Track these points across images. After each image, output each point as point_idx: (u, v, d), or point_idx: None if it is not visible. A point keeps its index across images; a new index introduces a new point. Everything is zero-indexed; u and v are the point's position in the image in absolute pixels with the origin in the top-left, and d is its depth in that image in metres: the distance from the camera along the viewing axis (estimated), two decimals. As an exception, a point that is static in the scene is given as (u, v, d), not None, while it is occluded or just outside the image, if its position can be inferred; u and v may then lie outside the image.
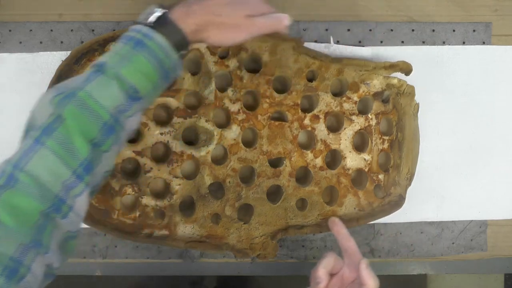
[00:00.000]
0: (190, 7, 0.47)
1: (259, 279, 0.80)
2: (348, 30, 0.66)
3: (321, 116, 0.63)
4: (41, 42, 0.63)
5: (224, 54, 0.60)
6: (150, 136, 0.60)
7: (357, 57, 0.64)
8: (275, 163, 0.63)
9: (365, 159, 0.64)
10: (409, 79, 0.64)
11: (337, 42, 0.66)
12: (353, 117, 0.63)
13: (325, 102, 0.63)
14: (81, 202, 0.44)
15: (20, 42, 0.63)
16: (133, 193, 0.60)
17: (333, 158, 0.65)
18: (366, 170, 0.64)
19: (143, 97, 0.45)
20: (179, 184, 0.61)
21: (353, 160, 0.64)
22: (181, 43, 0.46)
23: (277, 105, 0.62)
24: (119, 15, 0.64)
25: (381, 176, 0.65)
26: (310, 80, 0.62)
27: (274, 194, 0.64)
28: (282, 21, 0.49)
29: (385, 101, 0.64)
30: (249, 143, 0.62)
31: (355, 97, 0.63)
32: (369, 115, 0.64)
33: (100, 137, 0.43)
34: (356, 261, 0.52)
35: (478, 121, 0.69)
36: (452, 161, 0.69)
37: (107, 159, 0.46)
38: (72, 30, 0.63)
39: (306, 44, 0.62)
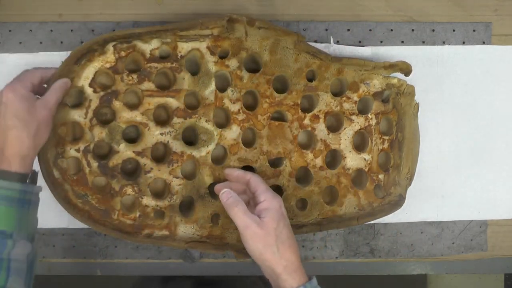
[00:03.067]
0: None
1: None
2: (348, 30, 0.66)
3: (321, 116, 0.63)
4: (41, 42, 0.63)
5: (224, 54, 0.60)
6: (150, 137, 0.60)
7: (357, 57, 0.64)
8: (275, 163, 0.63)
9: (365, 159, 0.64)
10: (409, 79, 0.64)
11: (337, 42, 0.66)
12: (353, 117, 0.63)
13: (325, 102, 0.63)
14: None
15: (20, 42, 0.63)
16: (133, 193, 0.60)
17: (333, 158, 0.65)
18: (366, 170, 0.64)
19: (15, 230, 0.50)
20: (179, 184, 0.61)
21: (353, 160, 0.64)
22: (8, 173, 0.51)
23: (277, 105, 0.62)
24: (119, 15, 0.64)
25: (381, 176, 0.65)
26: (310, 79, 0.62)
27: (274, 194, 0.64)
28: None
29: (385, 101, 0.64)
30: (249, 143, 0.62)
31: (355, 97, 0.63)
32: (369, 115, 0.64)
33: None
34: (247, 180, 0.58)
35: (478, 121, 0.69)
36: (452, 161, 0.69)
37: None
38: (72, 30, 0.64)
39: (306, 44, 0.62)
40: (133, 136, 0.61)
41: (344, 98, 0.63)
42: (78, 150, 0.59)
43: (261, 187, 0.56)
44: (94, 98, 0.59)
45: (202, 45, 0.59)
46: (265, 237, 0.53)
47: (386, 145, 0.64)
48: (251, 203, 0.58)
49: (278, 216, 0.54)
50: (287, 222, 0.55)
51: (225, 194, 0.56)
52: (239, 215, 0.54)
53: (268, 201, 0.55)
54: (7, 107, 0.51)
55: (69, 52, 0.59)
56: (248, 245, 0.54)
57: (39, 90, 0.56)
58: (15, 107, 0.51)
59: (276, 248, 0.53)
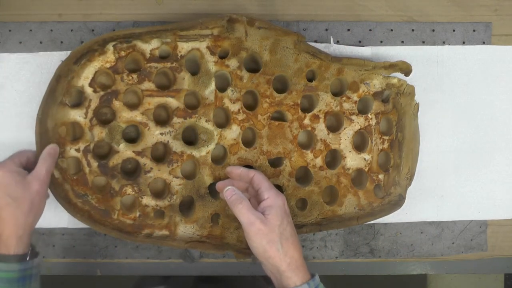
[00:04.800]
0: None
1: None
2: (348, 30, 0.66)
3: (321, 116, 0.63)
4: (41, 42, 0.63)
5: (224, 54, 0.60)
6: (150, 136, 0.60)
7: (357, 57, 0.64)
8: (275, 163, 0.63)
9: (365, 159, 0.64)
10: (409, 79, 0.64)
11: (337, 42, 0.66)
12: (353, 117, 0.63)
13: (325, 101, 0.63)
14: None
15: (20, 42, 0.63)
16: (133, 193, 0.60)
17: (333, 158, 0.65)
18: (366, 170, 0.64)
19: None
20: (179, 184, 0.61)
21: (353, 160, 0.64)
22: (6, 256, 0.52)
23: (277, 105, 0.62)
24: (119, 15, 0.64)
25: (381, 176, 0.65)
26: (310, 79, 0.62)
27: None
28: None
29: (385, 101, 0.64)
30: (249, 143, 0.62)
31: (355, 97, 0.63)
32: (369, 115, 0.64)
33: None
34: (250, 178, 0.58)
35: (478, 121, 0.69)
36: (452, 161, 0.69)
37: None
38: (72, 30, 0.64)
39: (306, 44, 0.62)
40: (133, 136, 0.61)
41: (344, 98, 0.63)
42: (78, 150, 0.59)
43: (265, 184, 0.56)
44: (94, 98, 0.59)
45: (202, 45, 0.59)
46: (269, 233, 0.53)
47: (386, 145, 0.64)
48: (253, 201, 0.58)
49: (282, 214, 0.54)
50: (290, 220, 0.55)
51: (229, 191, 0.56)
52: (244, 211, 0.53)
53: (272, 198, 0.55)
54: None
55: (69, 52, 0.59)
56: (252, 242, 0.53)
57: (27, 166, 0.57)
58: (7, 184, 0.52)
59: (280, 245, 0.53)
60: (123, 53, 0.58)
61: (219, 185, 0.59)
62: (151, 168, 0.60)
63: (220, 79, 0.61)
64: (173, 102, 0.60)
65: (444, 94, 0.68)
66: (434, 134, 0.68)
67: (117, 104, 0.59)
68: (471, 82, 0.68)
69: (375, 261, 0.70)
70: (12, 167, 0.53)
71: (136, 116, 0.59)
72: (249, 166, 0.62)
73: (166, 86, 0.60)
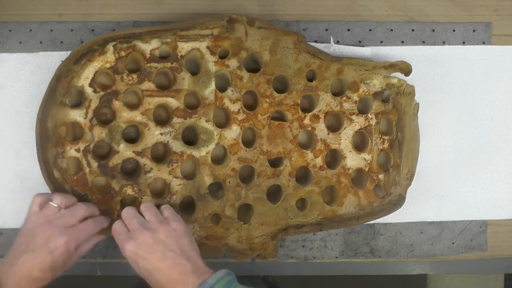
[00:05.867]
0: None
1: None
2: (348, 30, 0.66)
3: (321, 115, 0.63)
4: (41, 42, 0.63)
5: (224, 54, 0.60)
6: (150, 137, 0.60)
7: (357, 57, 0.64)
8: (275, 163, 0.63)
9: (365, 159, 0.64)
10: (409, 79, 0.64)
11: (337, 42, 0.66)
12: (353, 117, 0.63)
13: (325, 101, 0.63)
14: None
15: (20, 42, 0.63)
16: (133, 193, 0.60)
17: (333, 158, 0.65)
18: (366, 169, 0.64)
19: None
20: (179, 184, 0.61)
21: (353, 160, 0.64)
22: None
23: (277, 104, 0.62)
24: (119, 15, 0.64)
25: (381, 176, 0.65)
26: (310, 79, 0.62)
27: (274, 194, 0.64)
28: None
29: (385, 101, 0.64)
30: (249, 143, 0.62)
31: (355, 97, 0.63)
32: (369, 115, 0.64)
33: None
34: None
35: (478, 121, 0.69)
36: (452, 161, 0.69)
37: None
38: (72, 30, 0.64)
39: (306, 44, 0.62)
40: (133, 136, 0.61)
41: (344, 98, 0.63)
42: (78, 150, 0.59)
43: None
44: (94, 98, 0.59)
45: (202, 45, 0.59)
46: None
47: (386, 145, 0.64)
48: None
49: None
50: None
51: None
52: None
53: None
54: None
55: (69, 52, 0.59)
56: None
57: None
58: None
59: None
60: (123, 53, 0.58)
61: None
62: (151, 168, 0.60)
63: (220, 79, 0.61)
64: (173, 102, 0.60)
65: (444, 94, 0.68)
66: (434, 134, 0.68)
67: (117, 104, 0.59)
68: (471, 82, 0.68)
69: (375, 261, 0.70)
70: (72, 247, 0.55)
71: (136, 116, 0.59)
72: (249, 167, 0.62)
73: (166, 86, 0.60)
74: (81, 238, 0.55)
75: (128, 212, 0.56)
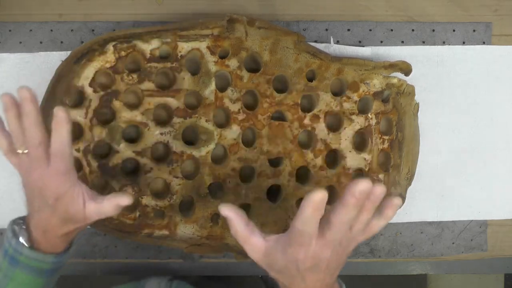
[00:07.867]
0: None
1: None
2: (348, 30, 0.66)
3: (321, 115, 0.63)
4: (41, 42, 0.63)
5: (224, 54, 0.60)
6: (150, 136, 0.60)
7: (357, 57, 0.64)
8: (275, 162, 0.63)
9: (365, 159, 0.64)
10: (409, 79, 0.64)
11: (337, 42, 0.66)
12: (353, 117, 0.63)
13: (325, 101, 0.63)
14: None
15: (20, 42, 0.63)
16: (133, 193, 0.60)
17: (333, 158, 0.65)
18: (366, 169, 0.64)
19: None
20: (179, 184, 0.61)
21: (353, 160, 0.64)
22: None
23: (277, 104, 0.62)
24: (119, 15, 0.64)
25: (381, 176, 0.65)
26: (310, 79, 0.62)
27: (274, 194, 0.64)
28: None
29: (385, 101, 0.64)
30: (249, 143, 0.62)
31: (355, 97, 0.63)
32: (369, 115, 0.64)
33: None
34: None
35: (478, 121, 0.69)
36: (452, 161, 0.69)
37: None
38: (72, 30, 0.64)
39: (306, 44, 0.62)
40: (133, 136, 0.61)
41: (344, 98, 0.63)
42: (78, 150, 0.59)
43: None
44: (94, 98, 0.59)
45: (202, 45, 0.59)
46: None
47: (386, 145, 0.64)
48: None
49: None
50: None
51: None
52: None
53: None
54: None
55: (69, 52, 0.59)
56: None
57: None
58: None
59: None
60: (123, 53, 0.58)
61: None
62: (151, 168, 0.60)
63: (220, 79, 0.61)
64: (173, 102, 0.60)
65: (444, 94, 0.68)
66: (434, 134, 0.68)
67: (117, 104, 0.59)
68: (471, 82, 0.68)
69: (375, 261, 0.70)
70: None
71: (136, 116, 0.59)
72: (249, 167, 0.62)
73: (166, 86, 0.60)
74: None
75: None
